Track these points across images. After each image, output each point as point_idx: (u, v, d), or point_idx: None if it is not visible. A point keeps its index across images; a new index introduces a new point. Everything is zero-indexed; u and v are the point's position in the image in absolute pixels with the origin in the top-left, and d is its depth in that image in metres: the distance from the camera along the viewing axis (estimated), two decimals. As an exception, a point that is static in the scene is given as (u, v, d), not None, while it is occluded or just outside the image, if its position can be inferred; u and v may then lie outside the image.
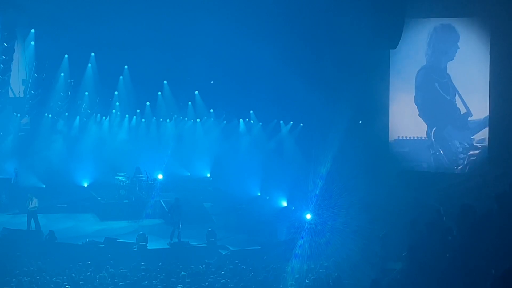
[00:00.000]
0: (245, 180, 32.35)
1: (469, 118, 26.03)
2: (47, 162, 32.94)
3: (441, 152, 26.51)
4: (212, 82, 34.30)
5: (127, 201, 31.23)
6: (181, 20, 30.81)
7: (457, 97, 26.27)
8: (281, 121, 34.24)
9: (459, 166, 26.09)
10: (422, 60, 26.90)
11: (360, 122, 28.70)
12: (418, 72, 27.08)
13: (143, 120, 37.24)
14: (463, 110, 26.19)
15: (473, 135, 25.73)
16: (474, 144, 25.82)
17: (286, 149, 33.78)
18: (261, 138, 35.26)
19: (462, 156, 26.06)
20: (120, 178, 32.86)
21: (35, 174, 32.21)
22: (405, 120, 27.58)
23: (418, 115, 27.22)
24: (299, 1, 28.46)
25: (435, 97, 26.74)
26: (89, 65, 33.81)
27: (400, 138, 27.44)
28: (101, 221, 29.63)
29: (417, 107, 27.21)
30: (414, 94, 27.21)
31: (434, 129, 26.76)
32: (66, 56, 32.79)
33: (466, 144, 25.87)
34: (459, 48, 26.02)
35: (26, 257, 21.65)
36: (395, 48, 27.13)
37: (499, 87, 25.05)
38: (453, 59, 26.14)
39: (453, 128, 26.34)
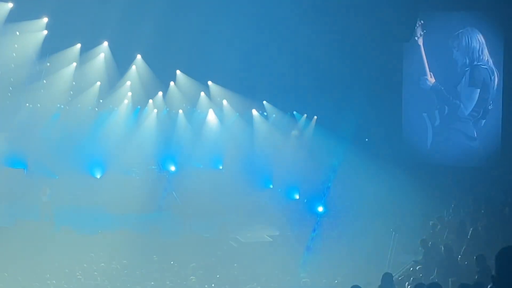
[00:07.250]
0: (257, 172, 32.29)
1: (482, 111, 25.81)
2: (60, 153, 32.92)
3: (454, 145, 26.34)
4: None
5: (140, 192, 31.25)
6: (194, 7, 30.67)
7: (470, 90, 26.08)
8: (295, 112, 34.05)
9: (472, 159, 25.91)
10: (436, 53, 26.66)
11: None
12: (430, 66, 26.84)
13: (155, 110, 37.15)
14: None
15: (486, 127, 25.52)
16: (487, 136, 25.64)
17: (299, 141, 33.63)
18: (274, 129, 35.11)
19: (474, 148, 25.90)
20: (132, 169, 32.86)
21: (48, 165, 32.21)
22: (418, 113, 27.40)
23: (431, 107, 27.03)
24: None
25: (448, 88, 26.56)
26: (102, 54, 33.72)
27: (413, 131, 27.28)
28: (113, 213, 29.65)
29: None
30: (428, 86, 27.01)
31: (446, 122, 26.57)
32: (79, 45, 32.71)
33: (477, 136, 25.69)
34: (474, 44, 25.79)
35: (38, 248, 21.74)
36: (408, 41, 26.92)
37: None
38: (468, 54, 25.90)
39: (465, 121, 26.11)
